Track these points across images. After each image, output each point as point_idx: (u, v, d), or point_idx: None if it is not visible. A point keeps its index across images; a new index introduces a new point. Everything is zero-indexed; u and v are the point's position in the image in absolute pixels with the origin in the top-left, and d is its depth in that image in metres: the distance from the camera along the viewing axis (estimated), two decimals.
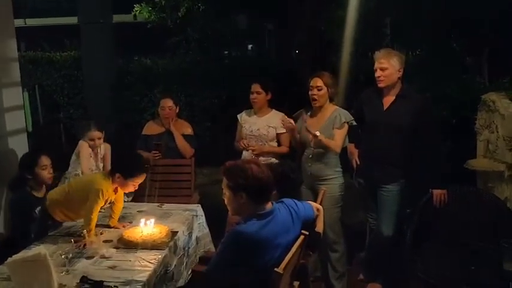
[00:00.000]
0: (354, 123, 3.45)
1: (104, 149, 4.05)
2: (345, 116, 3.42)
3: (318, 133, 3.31)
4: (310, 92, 3.46)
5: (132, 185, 2.95)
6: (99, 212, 2.91)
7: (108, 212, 3.12)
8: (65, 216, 3.02)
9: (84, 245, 2.71)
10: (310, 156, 3.48)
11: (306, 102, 3.56)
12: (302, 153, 3.59)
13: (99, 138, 3.95)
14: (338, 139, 3.40)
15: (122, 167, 2.93)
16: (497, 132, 3.93)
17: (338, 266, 3.53)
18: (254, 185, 2.29)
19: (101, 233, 2.95)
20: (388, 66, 3.30)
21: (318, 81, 3.44)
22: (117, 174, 2.89)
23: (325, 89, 3.42)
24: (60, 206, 2.99)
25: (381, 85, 3.35)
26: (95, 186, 2.87)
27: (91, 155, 3.96)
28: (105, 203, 2.95)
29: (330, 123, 3.42)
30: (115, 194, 3.00)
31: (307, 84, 3.51)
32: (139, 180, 2.96)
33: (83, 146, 3.92)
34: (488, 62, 5.63)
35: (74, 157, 3.99)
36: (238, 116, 4.06)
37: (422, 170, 3.35)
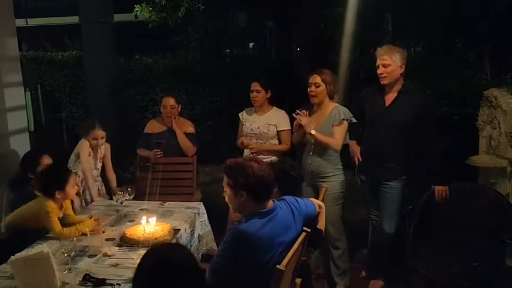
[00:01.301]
0: (354, 120, 3.45)
1: (104, 149, 4.01)
2: (344, 113, 3.42)
3: (313, 131, 3.33)
4: (308, 89, 3.47)
5: (72, 187, 3.02)
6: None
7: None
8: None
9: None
10: (311, 153, 3.48)
11: (306, 100, 3.56)
12: (302, 151, 3.60)
13: (103, 138, 3.90)
14: (337, 137, 3.40)
15: (52, 185, 2.95)
16: (500, 128, 3.92)
17: (340, 263, 3.54)
18: (254, 183, 2.28)
19: (103, 231, 2.96)
20: (390, 63, 3.30)
21: (316, 78, 3.44)
22: (56, 192, 2.93)
23: (323, 86, 3.42)
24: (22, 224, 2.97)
25: (383, 82, 3.35)
26: (42, 211, 2.87)
27: (90, 154, 3.90)
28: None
29: (330, 121, 3.43)
30: (61, 209, 3.01)
31: (306, 81, 3.51)
32: (73, 180, 3.04)
33: (84, 145, 3.85)
34: (490, 57, 5.61)
35: (73, 157, 3.92)
36: (240, 114, 4.06)
37: (421, 166, 3.35)
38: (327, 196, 3.20)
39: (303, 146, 3.57)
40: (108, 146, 4.04)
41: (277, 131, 3.85)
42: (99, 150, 3.96)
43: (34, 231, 2.94)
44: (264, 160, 3.63)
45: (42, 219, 2.87)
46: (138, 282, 1.69)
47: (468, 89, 4.92)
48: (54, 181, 2.97)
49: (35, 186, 3.10)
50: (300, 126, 3.43)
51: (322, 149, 3.43)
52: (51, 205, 2.91)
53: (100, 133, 3.87)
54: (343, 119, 3.41)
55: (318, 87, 3.43)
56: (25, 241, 2.78)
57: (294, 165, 2.89)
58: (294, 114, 3.45)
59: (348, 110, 3.47)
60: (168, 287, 1.65)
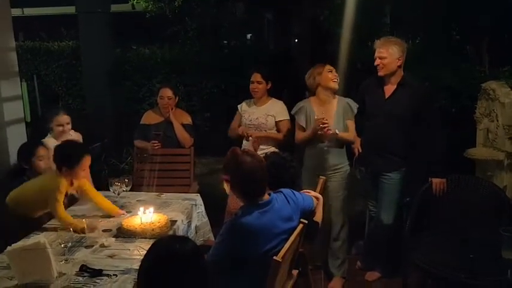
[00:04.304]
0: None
1: (77, 137, 3.82)
2: (355, 105, 3.46)
3: (337, 131, 3.31)
4: (329, 75, 3.41)
5: (82, 170, 2.97)
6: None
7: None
8: (34, 213, 2.99)
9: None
10: (325, 148, 3.45)
11: (304, 92, 3.54)
12: (303, 148, 3.57)
13: (68, 123, 3.75)
14: (353, 129, 3.44)
15: (62, 160, 2.92)
16: (497, 120, 3.93)
17: (338, 254, 3.55)
18: (242, 181, 2.32)
19: (99, 221, 2.95)
20: (386, 55, 3.30)
21: (331, 68, 3.44)
22: (63, 168, 2.91)
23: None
24: (24, 205, 2.97)
25: (380, 73, 3.35)
26: (49, 188, 2.86)
27: None
28: (66, 196, 2.94)
29: (340, 115, 3.41)
30: (71, 185, 3.00)
31: (310, 72, 3.48)
32: (86, 162, 2.97)
33: (48, 144, 3.57)
34: (489, 50, 5.60)
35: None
36: (239, 106, 4.05)
37: (423, 158, 3.35)
38: (335, 186, 3.22)
39: (308, 143, 3.53)
40: (79, 135, 3.89)
41: (276, 122, 3.85)
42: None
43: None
44: (263, 150, 3.64)
45: (47, 195, 2.84)
46: (143, 274, 1.69)
47: (466, 82, 4.92)
48: (64, 157, 2.93)
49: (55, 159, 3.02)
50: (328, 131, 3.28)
51: (336, 143, 3.42)
52: (63, 182, 2.89)
53: (64, 118, 3.73)
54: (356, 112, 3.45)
55: (336, 73, 3.45)
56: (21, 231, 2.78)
57: (275, 162, 2.78)
58: (318, 124, 3.26)
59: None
60: (173, 280, 1.64)
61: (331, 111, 3.43)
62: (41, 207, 2.97)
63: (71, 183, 2.99)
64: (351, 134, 3.44)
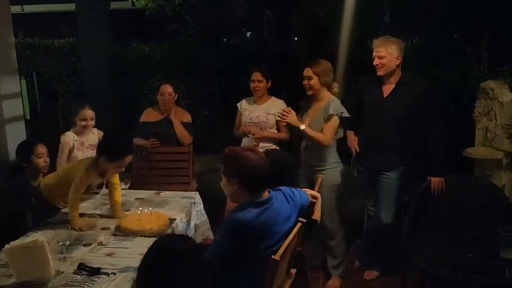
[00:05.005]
0: (345, 115, 3.36)
1: (98, 135, 3.73)
2: (334, 108, 3.34)
3: (302, 126, 3.32)
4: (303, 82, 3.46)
5: (117, 167, 2.93)
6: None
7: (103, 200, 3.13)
8: (63, 201, 3.02)
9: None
10: (304, 145, 3.47)
11: (304, 90, 3.54)
12: (299, 143, 3.59)
13: (92, 119, 3.67)
14: (327, 133, 3.34)
15: (106, 149, 2.88)
16: (496, 120, 3.93)
17: (336, 254, 3.54)
18: (247, 173, 2.27)
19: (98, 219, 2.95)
20: (385, 55, 3.29)
21: (308, 72, 3.42)
22: (102, 157, 2.87)
23: (315, 78, 3.38)
24: (54, 191, 3.00)
25: (379, 73, 3.34)
26: (76, 173, 2.86)
27: (73, 148, 3.62)
28: (89, 187, 2.94)
29: (321, 115, 3.40)
30: (101, 178, 2.99)
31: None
32: (124, 163, 2.92)
33: (66, 138, 3.62)
34: (487, 50, 5.60)
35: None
36: (238, 104, 4.06)
37: (423, 157, 3.35)
38: (324, 188, 3.20)
39: (299, 138, 3.56)
40: (102, 133, 3.80)
41: (277, 120, 3.85)
42: (85, 139, 3.69)
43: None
44: (265, 147, 3.65)
45: (71, 180, 2.85)
46: (143, 272, 1.69)
47: (465, 81, 4.92)
48: (109, 147, 2.89)
49: None
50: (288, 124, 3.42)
51: (313, 142, 3.41)
52: (90, 171, 2.87)
53: (89, 113, 3.65)
54: (332, 114, 3.34)
55: (310, 79, 3.40)
56: (17, 230, 2.78)
57: (279, 159, 2.78)
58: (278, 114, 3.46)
59: (340, 104, 3.39)
60: (173, 278, 1.65)
61: (318, 109, 3.44)
62: (62, 195, 2.94)
63: (103, 174, 2.97)
64: (317, 134, 3.33)
